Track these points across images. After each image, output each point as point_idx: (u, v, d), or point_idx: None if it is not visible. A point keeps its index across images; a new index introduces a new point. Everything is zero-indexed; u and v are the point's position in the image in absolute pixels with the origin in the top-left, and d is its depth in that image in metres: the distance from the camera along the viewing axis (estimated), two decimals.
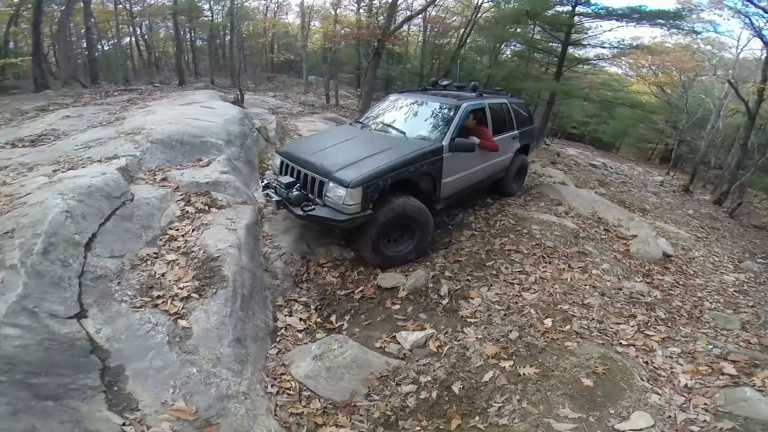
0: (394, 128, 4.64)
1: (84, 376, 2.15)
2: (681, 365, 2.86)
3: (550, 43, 12.55)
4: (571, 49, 11.76)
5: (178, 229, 3.29)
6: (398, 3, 12.85)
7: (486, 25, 13.94)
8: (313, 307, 3.58)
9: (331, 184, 3.53)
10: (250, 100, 10.18)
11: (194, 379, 2.33)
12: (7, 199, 3.04)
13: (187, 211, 3.52)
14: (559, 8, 10.69)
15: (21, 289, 2.22)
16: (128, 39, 18.60)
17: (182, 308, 2.65)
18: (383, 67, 14.88)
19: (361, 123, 5.10)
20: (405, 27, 16.20)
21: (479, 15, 14.13)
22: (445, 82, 5.65)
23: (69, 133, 4.94)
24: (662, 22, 10.26)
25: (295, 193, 3.66)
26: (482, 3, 13.89)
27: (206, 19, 18.83)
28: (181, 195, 3.70)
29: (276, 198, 3.77)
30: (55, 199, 2.76)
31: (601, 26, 11.30)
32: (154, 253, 3.01)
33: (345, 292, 3.76)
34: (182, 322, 2.57)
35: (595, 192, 7.70)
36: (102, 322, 2.41)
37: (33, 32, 11.57)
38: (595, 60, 13.61)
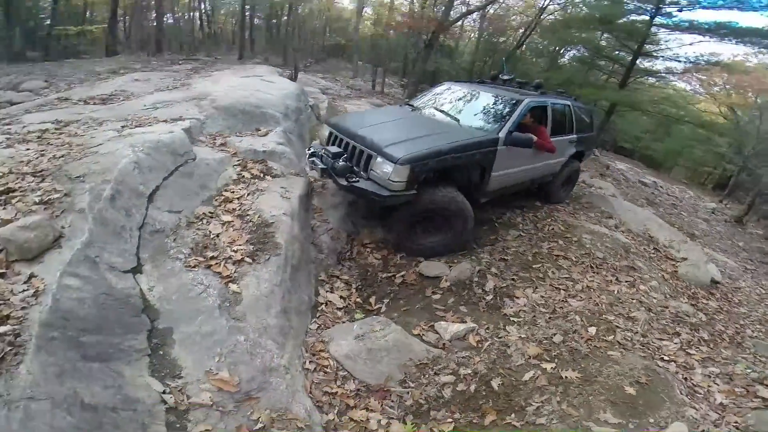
0: (447, 114, 4.51)
1: (132, 337, 2.09)
2: (718, 385, 2.93)
3: (617, 52, 11.87)
4: (638, 60, 11.06)
5: (233, 192, 3.34)
6: None
7: (550, 28, 13.36)
8: (354, 286, 3.58)
9: (379, 158, 3.47)
10: (302, 79, 10.34)
11: (240, 348, 2.26)
12: (78, 147, 3.17)
13: (243, 176, 3.57)
14: (634, 17, 10.06)
15: (87, 235, 2.21)
16: (193, 13, 19.28)
17: (234, 272, 2.63)
18: (432, 59, 14.63)
19: (411, 105, 5.00)
20: (459, 21, 15.83)
21: (543, 17, 13.60)
22: (506, 77, 5.46)
23: (137, 94, 5.15)
24: (751, 40, 9.42)
25: (341, 163, 3.61)
26: (547, 5, 13.34)
27: None
28: (238, 160, 3.77)
29: (321, 166, 3.75)
30: (126, 150, 2.86)
31: (680, 39, 10.51)
32: (210, 212, 3.06)
33: (386, 275, 3.74)
34: (233, 287, 2.54)
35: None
36: (155, 279, 2.41)
37: (111, 2, 12.37)
38: (663, 73, 12.72)
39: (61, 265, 2.04)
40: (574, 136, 5.48)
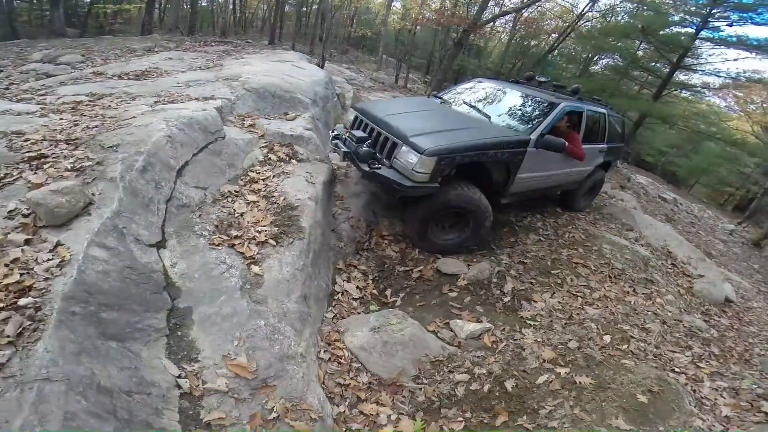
0: (477, 110, 4.40)
1: (152, 315, 2.01)
2: (724, 398, 3.00)
3: (654, 63, 11.53)
4: (675, 72, 10.73)
5: (259, 173, 3.35)
6: None
7: (587, 34, 13.03)
8: (370, 277, 3.56)
9: (404, 147, 3.36)
10: (328, 68, 10.35)
11: (260, 333, 2.20)
12: (112, 119, 3.20)
13: (270, 158, 3.58)
14: (679, 29, 9.74)
15: (116, 204, 2.16)
16: None
17: (257, 253, 2.60)
18: (459, 58, 14.42)
19: (440, 98, 4.88)
20: (492, 22, 15.58)
21: (580, 23, 13.28)
22: (542, 79, 5.30)
23: (170, 72, 5.21)
24: None
25: (365, 148, 3.53)
26: (586, 11, 13.02)
27: None
28: (265, 143, 3.77)
29: (344, 149, 3.69)
30: (160, 124, 2.88)
31: (723, 54, 10.18)
32: (236, 191, 3.06)
33: (403, 269, 3.70)
34: (255, 268, 2.50)
35: None
36: (178, 255, 2.36)
37: None
38: (699, 87, 12.32)
39: (89, 234, 1.97)
40: (605, 145, 5.33)
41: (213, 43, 9.82)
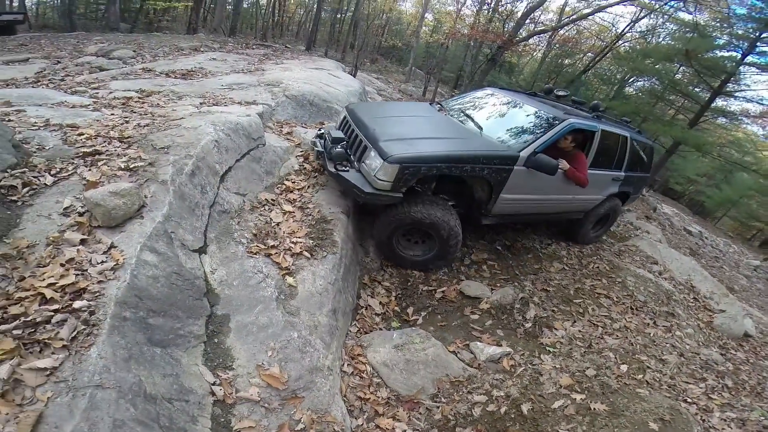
0: (472, 120, 4.09)
1: (193, 322, 2.02)
2: (731, 429, 3.03)
3: (692, 88, 11.23)
4: (716, 99, 10.43)
5: (294, 182, 3.44)
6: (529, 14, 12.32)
7: (625, 55, 12.79)
8: (393, 294, 3.58)
9: (372, 152, 3.19)
10: (360, 77, 10.49)
11: (293, 345, 2.23)
12: (161, 119, 3.33)
13: (305, 168, 3.66)
14: (723, 53, 9.45)
15: (166, 208, 2.18)
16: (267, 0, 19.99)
17: (292, 264, 2.64)
18: (491, 74, 14.39)
19: (440, 105, 4.65)
20: (528, 39, 15.49)
21: (618, 43, 13.09)
22: (561, 93, 4.93)
23: (215, 73, 5.40)
24: None
25: (338, 149, 3.38)
26: (625, 32, 12.83)
27: None
28: (302, 151, 3.86)
29: (319, 149, 3.59)
30: (208, 128, 2.96)
31: None
32: (272, 199, 3.14)
33: (427, 288, 3.72)
34: (289, 280, 2.54)
35: None
36: (218, 262, 2.39)
37: None
38: (738, 114, 11.95)
39: (141, 237, 1.98)
40: (622, 173, 4.78)
41: (254, 46, 10.13)
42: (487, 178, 3.46)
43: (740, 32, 9.16)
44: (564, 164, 3.85)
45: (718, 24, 10.18)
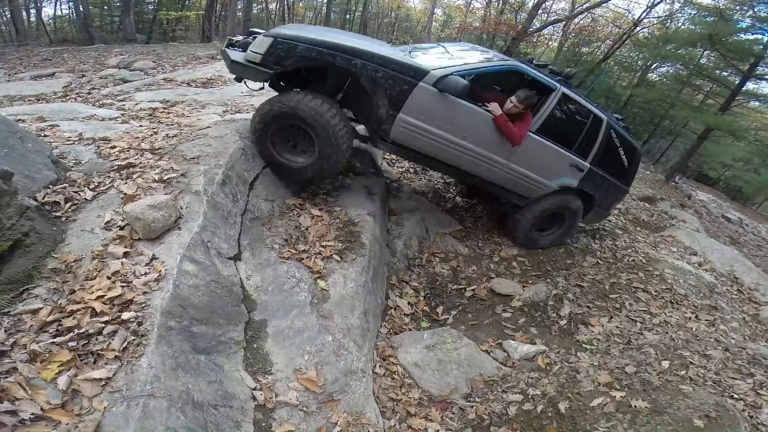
0: (407, 52, 3.47)
1: (233, 328, 2.04)
2: None
3: (720, 72, 10.79)
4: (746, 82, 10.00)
5: (320, 186, 3.45)
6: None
7: (645, 42, 12.38)
8: (422, 294, 3.58)
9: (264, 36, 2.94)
10: None
11: (328, 348, 2.25)
12: (188, 129, 3.40)
13: None
14: (749, 36, 9.09)
15: (201, 218, 2.21)
16: (277, 4, 20.20)
17: (323, 268, 2.67)
18: None
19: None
20: (543, 30, 15.14)
21: (636, 29, 12.66)
22: (539, 63, 3.88)
23: (234, 80, 5.47)
24: None
25: (242, 40, 3.35)
26: (643, 18, 12.40)
27: None
28: None
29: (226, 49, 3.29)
30: (234, 136, 3.01)
31: None
32: (300, 204, 3.17)
33: (456, 287, 3.70)
34: (321, 283, 2.57)
35: None
36: (252, 268, 2.43)
37: None
38: None
39: (180, 248, 2.02)
40: (586, 163, 3.87)
41: None
42: (382, 83, 2.95)
43: (763, 14, 8.78)
44: (496, 108, 3.24)
45: (737, 6, 9.76)
